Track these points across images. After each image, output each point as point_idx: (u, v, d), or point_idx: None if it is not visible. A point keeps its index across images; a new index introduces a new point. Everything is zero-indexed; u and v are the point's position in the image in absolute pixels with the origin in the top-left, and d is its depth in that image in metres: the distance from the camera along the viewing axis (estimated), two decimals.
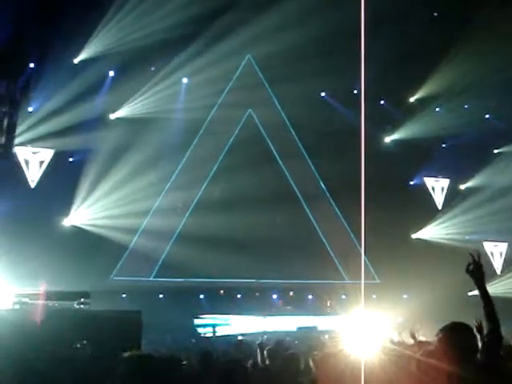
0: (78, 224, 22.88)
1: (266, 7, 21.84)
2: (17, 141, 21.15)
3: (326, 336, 21.12)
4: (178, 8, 21.00)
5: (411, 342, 7.78)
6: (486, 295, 4.56)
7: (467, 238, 27.67)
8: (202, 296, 25.16)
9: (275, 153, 26.55)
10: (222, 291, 25.79)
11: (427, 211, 28.37)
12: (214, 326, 24.12)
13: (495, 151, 28.58)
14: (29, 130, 21.57)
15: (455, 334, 4.25)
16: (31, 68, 20.97)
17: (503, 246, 28.80)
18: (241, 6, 21.90)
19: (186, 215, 24.67)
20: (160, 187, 24.31)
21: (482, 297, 4.56)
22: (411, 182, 28.69)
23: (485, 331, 4.54)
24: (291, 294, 26.99)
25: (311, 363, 6.27)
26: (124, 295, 23.12)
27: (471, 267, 4.71)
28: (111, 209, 22.87)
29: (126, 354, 4.37)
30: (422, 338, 8.09)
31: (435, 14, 24.24)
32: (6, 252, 19.84)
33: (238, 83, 25.15)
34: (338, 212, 26.80)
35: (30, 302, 5.99)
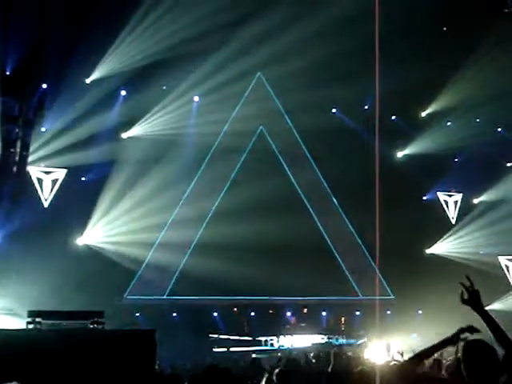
0: (91, 243, 22.90)
1: (276, 26, 21.95)
2: (30, 160, 21.32)
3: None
4: (189, 27, 21.12)
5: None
6: (488, 321, 4.42)
7: (481, 252, 27.47)
8: (215, 314, 25.07)
9: (287, 169, 26.54)
10: (235, 309, 25.71)
11: (441, 226, 28.23)
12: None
13: (508, 164, 28.45)
14: (42, 149, 21.69)
15: (475, 353, 4.14)
16: (44, 88, 21.13)
17: None
18: (252, 23, 22.02)
19: (199, 232, 24.64)
20: (173, 206, 24.31)
21: (486, 323, 4.42)
22: (424, 197, 28.56)
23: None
24: (305, 310, 26.85)
25: None
26: (138, 314, 23.06)
27: (466, 296, 4.56)
28: (124, 228, 22.89)
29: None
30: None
31: (445, 29, 24.23)
32: (19, 271, 19.95)
33: (249, 101, 25.23)
34: (352, 228, 26.72)
35: (44, 321, 5.98)
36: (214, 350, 23.42)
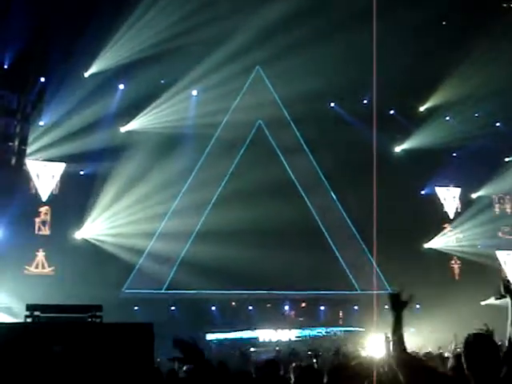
0: (89, 237, 22.87)
1: (276, 19, 21.87)
2: (28, 154, 21.30)
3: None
4: (187, 20, 21.07)
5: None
6: None
7: (479, 247, 27.53)
8: (213, 308, 25.09)
9: (286, 163, 26.51)
10: (233, 303, 25.73)
11: (439, 220, 28.28)
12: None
13: (506, 159, 28.47)
14: (40, 143, 21.68)
15: (475, 346, 4.12)
16: (42, 82, 21.09)
17: None
18: (250, 17, 21.97)
19: (198, 227, 24.61)
20: (171, 202, 24.25)
21: None
22: (422, 192, 28.59)
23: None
24: (303, 305, 26.88)
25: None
26: (136, 308, 23.04)
27: (503, 290, 4.72)
28: (123, 220, 22.85)
29: None
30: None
31: (444, 23, 24.20)
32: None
33: (248, 94, 25.20)
34: (350, 223, 26.73)
35: (42, 315, 5.99)
36: (210, 339, 23.48)
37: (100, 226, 22.91)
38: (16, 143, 20.23)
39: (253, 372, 6.63)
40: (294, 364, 7.43)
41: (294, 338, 24.73)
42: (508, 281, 4.79)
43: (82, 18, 20.00)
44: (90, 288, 19.10)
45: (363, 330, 24.44)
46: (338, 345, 18.30)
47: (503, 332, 4.49)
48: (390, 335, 4.58)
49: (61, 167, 22.75)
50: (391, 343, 4.53)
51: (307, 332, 25.39)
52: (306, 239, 25.05)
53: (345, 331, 25.65)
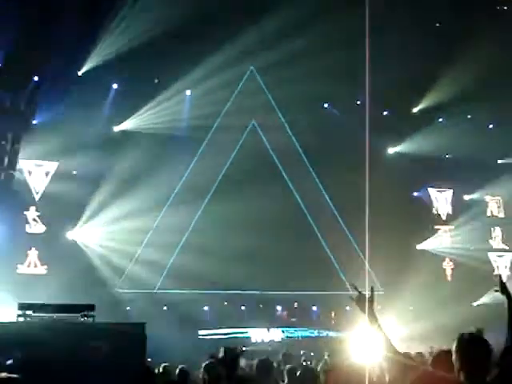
0: (82, 237, 22.82)
1: (269, 19, 21.88)
2: (21, 153, 21.23)
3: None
4: (181, 19, 21.02)
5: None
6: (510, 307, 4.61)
7: (472, 249, 27.60)
8: (205, 308, 25.07)
9: (280, 166, 26.46)
10: (225, 302, 25.70)
11: (431, 222, 28.34)
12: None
13: (499, 161, 28.52)
14: (33, 142, 21.59)
15: (469, 346, 4.09)
16: (35, 80, 21.02)
17: (508, 257, 28.76)
18: (244, 17, 21.96)
19: (190, 228, 24.53)
20: (164, 201, 24.19)
21: (509, 308, 4.63)
22: (415, 194, 28.63)
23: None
24: (295, 305, 26.88)
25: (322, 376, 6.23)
26: (128, 308, 22.98)
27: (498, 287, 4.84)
28: (115, 224, 22.81)
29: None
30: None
31: (437, 25, 24.25)
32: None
33: (242, 95, 25.15)
34: (343, 223, 26.73)
35: (34, 314, 5.98)
36: (201, 338, 23.44)
37: (92, 225, 22.85)
38: (9, 142, 20.17)
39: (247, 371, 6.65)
40: (288, 366, 7.42)
41: (285, 339, 24.75)
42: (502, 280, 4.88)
43: (77, 17, 19.94)
44: (82, 287, 19.08)
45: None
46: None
47: (495, 333, 4.51)
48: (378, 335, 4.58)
49: (53, 166, 22.69)
50: (379, 344, 4.52)
51: (299, 333, 25.40)
52: (299, 239, 25.07)
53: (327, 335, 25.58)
